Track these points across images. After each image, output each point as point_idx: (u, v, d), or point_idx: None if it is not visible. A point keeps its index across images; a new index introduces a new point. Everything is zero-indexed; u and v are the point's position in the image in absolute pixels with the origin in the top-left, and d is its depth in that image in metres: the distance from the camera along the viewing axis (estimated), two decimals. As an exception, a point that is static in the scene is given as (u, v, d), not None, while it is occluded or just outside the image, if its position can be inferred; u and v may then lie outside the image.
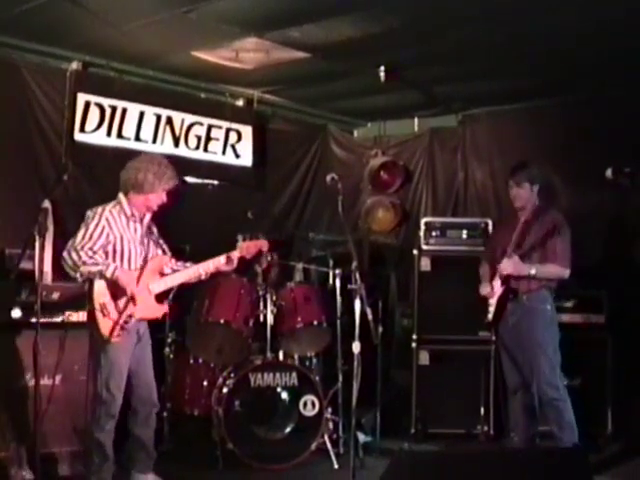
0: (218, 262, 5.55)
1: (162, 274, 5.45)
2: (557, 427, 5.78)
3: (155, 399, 5.49)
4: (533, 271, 5.75)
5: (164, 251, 5.58)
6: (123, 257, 5.29)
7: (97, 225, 5.22)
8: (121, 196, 5.38)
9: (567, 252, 5.82)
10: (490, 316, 5.97)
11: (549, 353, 5.80)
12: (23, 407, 5.44)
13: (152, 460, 5.53)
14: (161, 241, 5.61)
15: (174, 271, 5.55)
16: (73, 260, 5.12)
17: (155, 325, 5.64)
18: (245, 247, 5.68)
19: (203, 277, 5.65)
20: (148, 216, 5.47)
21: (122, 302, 5.18)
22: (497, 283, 5.90)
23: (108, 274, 5.13)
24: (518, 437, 6.08)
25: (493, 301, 5.93)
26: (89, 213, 5.29)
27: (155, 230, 5.60)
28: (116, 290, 5.17)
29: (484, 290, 6.03)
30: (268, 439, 6.29)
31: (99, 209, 5.29)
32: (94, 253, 5.16)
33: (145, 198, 5.34)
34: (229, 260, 5.56)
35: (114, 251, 5.26)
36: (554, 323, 5.90)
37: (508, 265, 5.75)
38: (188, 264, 5.64)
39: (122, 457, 5.45)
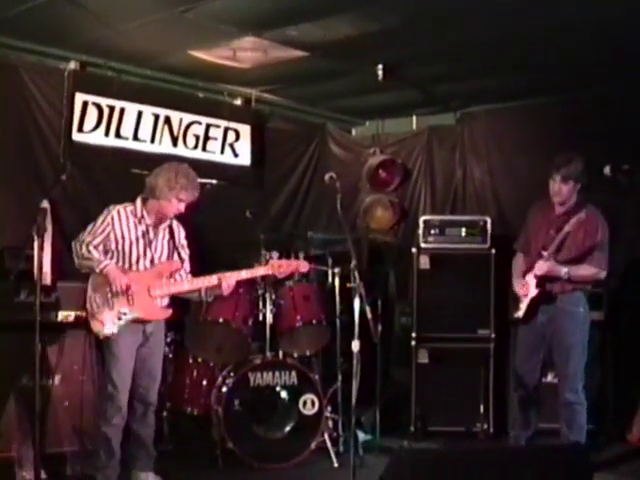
0: (211, 281, 5.45)
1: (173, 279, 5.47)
2: (567, 427, 5.75)
3: (152, 399, 5.50)
4: (565, 273, 5.64)
5: (181, 259, 5.54)
6: (124, 256, 5.33)
7: (103, 222, 5.32)
8: (138, 198, 5.45)
9: (605, 256, 5.74)
10: (521, 313, 5.87)
11: (576, 357, 5.75)
12: (24, 407, 5.44)
13: (152, 459, 5.55)
14: (183, 251, 5.58)
15: (177, 281, 5.50)
16: (76, 251, 5.27)
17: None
18: (277, 265, 5.59)
19: (204, 296, 5.54)
20: (168, 221, 5.49)
21: (117, 299, 5.21)
22: (532, 281, 5.77)
23: (97, 269, 5.20)
24: (517, 434, 6.07)
25: (526, 299, 5.83)
26: (105, 210, 5.39)
27: (179, 238, 5.59)
28: (110, 287, 5.21)
29: (519, 289, 5.89)
30: (268, 438, 6.29)
31: (111, 206, 5.40)
32: (94, 248, 5.25)
33: (158, 204, 5.38)
34: (220, 285, 5.43)
35: (116, 250, 5.32)
36: (586, 326, 5.81)
37: (543, 267, 5.65)
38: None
39: (123, 456, 5.44)
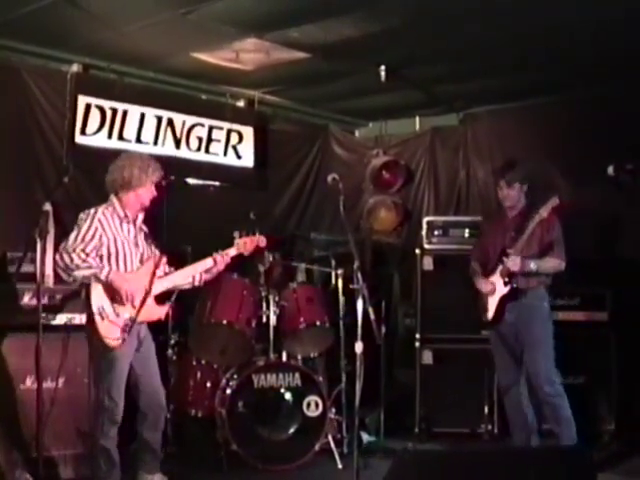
0: (205, 265, 5.55)
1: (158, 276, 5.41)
2: (555, 423, 5.85)
3: (162, 403, 5.46)
4: (534, 266, 5.80)
5: (161, 252, 5.48)
6: (118, 259, 5.23)
7: (89, 227, 5.16)
8: (113, 198, 5.35)
9: (562, 248, 5.90)
10: (490, 315, 6.00)
11: (546, 349, 5.86)
12: (26, 410, 5.44)
13: (159, 461, 5.52)
14: (154, 244, 5.54)
15: (166, 274, 5.48)
16: (65, 263, 5.07)
17: (157, 327, 5.61)
18: (242, 243, 5.68)
19: (197, 281, 5.62)
20: (141, 217, 5.44)
21: (121, 305, 5.14)
22: (498, 282, 5.92)
23: (102, 277, 5.08)
24: (518, 436, 6.07)
25: (494, 300, 5.96)
26: (82, 215, 5.24)
27: (146, 230, 5.53)
28: (114, 293, 5.12)
29: (486, 287, 6.02)
30: (272, 440, 6.28)
31: (92, 211, 5.25)
32: (87, 256, 5.10)
33: (135, 194, 5.31)
34: (215, 261, 5.57)
35: (109, 253, 5.20)
36: (550, 320, 5.97)
37: (516, 261, 5.75)
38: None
39: (127, 457, 5.43)
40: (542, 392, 5.83)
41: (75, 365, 5.82)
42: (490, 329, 6.14)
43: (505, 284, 5.88)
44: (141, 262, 5.34)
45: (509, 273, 5.83)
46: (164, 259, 5.47)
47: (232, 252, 5.66)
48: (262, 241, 5.80)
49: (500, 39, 6.36)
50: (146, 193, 5.35)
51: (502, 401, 6.88)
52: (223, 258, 5.60)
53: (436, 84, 7.72)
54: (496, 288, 5.94)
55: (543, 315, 5.93)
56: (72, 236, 5.14)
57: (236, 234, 5.74)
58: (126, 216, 5.32)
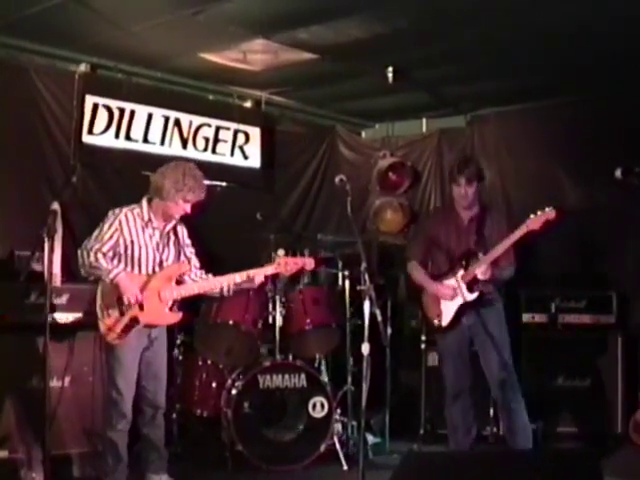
0: (241, 277, 5.41)
1: (180, 282, 5.40)
2: (510, 432, 5.78)
3: (160, 402, 5.46)
4: (501, 275, 5.65)
5: (188, 260, 5.49)
6: (133, 261, 5.26)
7: (110, 227, 5.22)
8: (143, 200, 5.36)
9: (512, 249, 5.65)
10: (447, 320, 5.77)
11: (509, 351, 5.73)
12: (33, 409, 5.44)
13: (165, 461, 5.52)
14: (188, 250, 5.53)
15: (193, 282, 5.46)
16: (83, 259, 5.16)
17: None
18: (284, 263, 5.47)
19: (225, 292, 5.50)
20: (173, 223, 5.42)
21: (127, 306, 5.16)
22: (462, 286, 5.63)
23: (107, 279, 5.13)
24: (457, 442, 6.02)
25: (453, 305, 5.71)
26: (109, 213, 5.30)
27: (183, 238, 5.52)
28: (120, 294, 5.15)
29: (447, 293, 5.70)
30: (277, 441, 6.28)
31: (117, 210, 5.29)
32: (103, 255, 5.15)
33: (164, 205, 5.29)
34: (249, 278, 5.42)
35: (125, 254, 5.24)
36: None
37: (487, 272, 5.51)
38: (210, 276, 5.52)
39: (133, 458, 5.44)
40: (506, 397, 5.72)
41: (81, 364, 5.89)
42: (442, 334, 5.88)
43: (470, 290, 5.62)
44: (160, 266, 5.34)
45: (473, 279, 5.59)
46: (186, 267, 5.43)
47: (269, 271, 5.48)
48: (309, 264, 5.59)
49: (507, 41, 6.36)
50: (175, 208, 5.29)
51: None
52: (257, 276, 5.42)
53: (443, 86, 7.72)
54: (457, 294, 5.66)
55: (503, 316, 5.76)
56: (94, 234, 5.22)
57: (281, 252, 5.55)
58: (150, 220, 5.32)
